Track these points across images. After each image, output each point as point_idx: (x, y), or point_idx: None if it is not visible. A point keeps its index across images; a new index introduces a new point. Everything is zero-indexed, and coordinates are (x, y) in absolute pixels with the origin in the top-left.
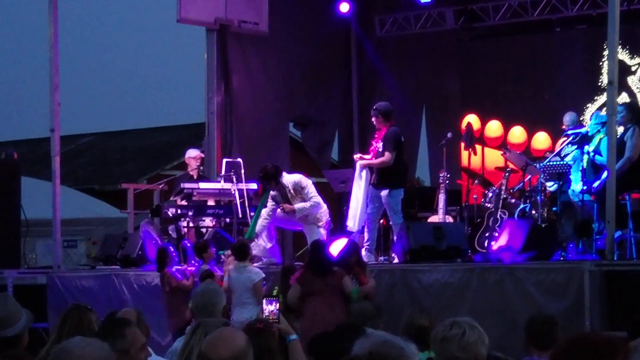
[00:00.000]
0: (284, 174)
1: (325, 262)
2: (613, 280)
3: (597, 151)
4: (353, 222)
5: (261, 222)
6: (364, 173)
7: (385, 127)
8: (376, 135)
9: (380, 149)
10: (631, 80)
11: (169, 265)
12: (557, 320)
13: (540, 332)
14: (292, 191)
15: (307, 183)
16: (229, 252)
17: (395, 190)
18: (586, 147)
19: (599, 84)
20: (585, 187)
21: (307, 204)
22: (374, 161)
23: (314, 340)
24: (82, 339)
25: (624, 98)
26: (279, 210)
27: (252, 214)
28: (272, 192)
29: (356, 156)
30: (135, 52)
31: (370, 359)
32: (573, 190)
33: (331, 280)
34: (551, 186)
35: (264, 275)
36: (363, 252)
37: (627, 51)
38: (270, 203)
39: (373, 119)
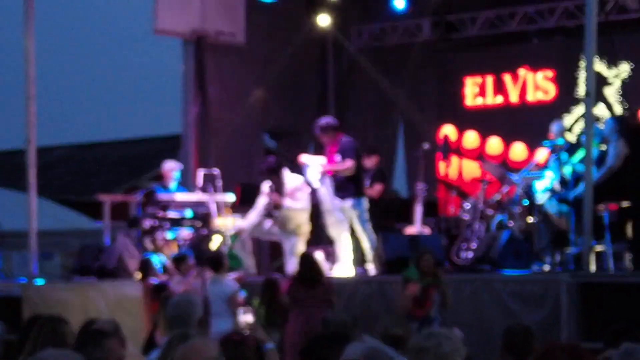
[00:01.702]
0: (288, 171)
1: (313, 272)
2: (589, 291)
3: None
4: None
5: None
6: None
7: (336, 140)
8: (329, 151)
9: (340, 160)
10: (608, 92)
11: (151, 276)
12: (534, 331)
13: (517, 342)
14: (288, 189)
15: (304, 189)
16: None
17: (360, 198)
18: (573, 157)
19: (576, 95)
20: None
21: (295, 204)
22: (337, 166)
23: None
24: (55, 351)
25: (601, 109)
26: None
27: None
28: (267, 190)
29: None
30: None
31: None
32: (550, 202)
33: (320, 292)
34: (540, 198)
35: (239, 286)
36: (340, 264)
37: (605, 62)
38: (263, 201)
39: (321, 139)
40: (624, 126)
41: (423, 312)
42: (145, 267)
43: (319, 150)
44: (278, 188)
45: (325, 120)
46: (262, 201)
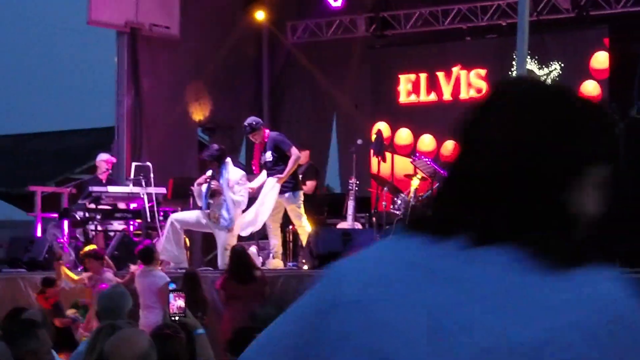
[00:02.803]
0: (229, 163)
1: (246, 268)
2: None
3: None
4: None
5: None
6: (277, 188)
7: (265, 136)
8: (257, 148)
9: (271, 158)
10: None
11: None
12: None
13: None
14: (229, 181)
15: (244, 184)
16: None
17: (296, 192)
18: None
19: None
20: None
21: (233, 196)
22: (289, 167)
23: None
24: None
25: None
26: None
27: (161, 217)
28: (213, 183)
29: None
30: (46, 54)
31: None
32: None
33: (253, 287)
34: None
35: (169, 279)
36: (272, 258)
37: (536, 61)
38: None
39: (250, 137)
40: None
41: None
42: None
43: (252, 144)
44: (217, 178)
45: (250, 119)
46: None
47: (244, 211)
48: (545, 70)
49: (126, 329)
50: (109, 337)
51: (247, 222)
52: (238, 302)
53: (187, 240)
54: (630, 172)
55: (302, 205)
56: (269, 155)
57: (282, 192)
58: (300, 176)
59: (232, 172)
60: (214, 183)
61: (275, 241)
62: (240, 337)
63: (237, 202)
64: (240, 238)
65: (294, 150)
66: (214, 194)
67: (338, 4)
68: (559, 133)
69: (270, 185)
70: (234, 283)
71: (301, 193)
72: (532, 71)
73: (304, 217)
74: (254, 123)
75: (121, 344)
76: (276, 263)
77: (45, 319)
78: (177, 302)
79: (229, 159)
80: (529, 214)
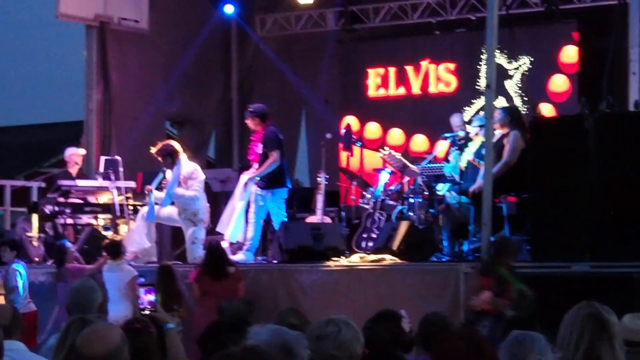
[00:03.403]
0: (184, 157)
1: (220, 264)
2: None
3: (478, 154)
4: (229, 232)
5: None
6: (251, 186)
7: (262, 128)
8: (253, 138)
9: (261, 151)
10: (509, 85)
11: (69, 261)
12: (449, 322)
13: (432, 332)
14: (182, 176)
15: (200, 176)
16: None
17: (278, 189)
18: (466, 150)
19: (478, 87)
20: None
21: (186, 192)
22: (262, 168)
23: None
24: None
25: (501, 102)
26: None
27: (130, 211)
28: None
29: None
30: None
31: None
32: (450, 193)
33: (226, 283)
34: (441, 189)
35: (136, 273)
36: (243, 251)
37: (505, 55)
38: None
39: (248, 121)
40: (516, 117)
41: (497, 309)
42: (62, 252)
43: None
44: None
45: (260, 105)
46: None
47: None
48: (515, 65)
49: (98, 323)
50: (79, 331)
51: (222, 221)
52: (211, 297)
53: (155, 235)
54: (599, 166)
55: (283, 202)
56: (260, 148)
57: (262, 188)
58: None
59: (185, 167)
60: (163, 182)
61: (254, 235)
62: (210, 331)
63: (191, 196)
64: (211, 232)
65: (273, 155)
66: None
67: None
68: None
69: (243, 183)
70: (208, 278)
71: (283, 191)
72: (501, 65)
73: (283, 213)
74: (251, 108)
75: (93, 338)
76: (247, 256)
77: (16, 314)
78: (148, 297)
79: (183, 155)
80: None
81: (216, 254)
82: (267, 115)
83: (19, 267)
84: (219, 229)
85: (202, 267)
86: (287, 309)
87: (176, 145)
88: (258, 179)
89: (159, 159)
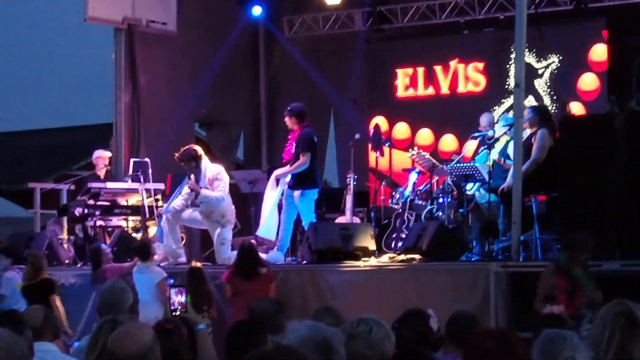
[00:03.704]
0: (207, 160)
1: (252, 264)
2: (518, 281)
3: (504, 153)
4: (266, 230)
5: (177, 206)
6: (282, 184)
7: (298, 128)
8: (290, 137)
9: (294, 151)
10: (538, 83)
11: (105, 263)
12: (478, 319)
13: (461, 330)
14: (207, 178)
15: (224, 178)
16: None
17: (308, 190)
18: (492, 150)
19: (506, 86)
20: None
21: (212, 193)
22: (292, 168)
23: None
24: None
25: (530, 101)
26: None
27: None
28: (189, 182)
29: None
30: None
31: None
32: (480, 192)
33: (258, 284)
34: (470, 189)
35: (166, 274)
36: (274, 251)
37: (534, 54)
38: (186, 190)
39: (286, 120)
40: (545, 116)
41: (571, 309)
42: (97, 255)
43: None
44: (197, 176)
45: (299, 105)
46: (185, 190)
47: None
48: (544, 63)
49: (129, 323)
50: (110, 332)
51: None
52: (242, 298)
53: (184, 235)
54: (629, 164)
55: (312, 203)
56: (293, 148)
57: (293, 188)
58: None
59: (210, 169)
60: (190, 182)
61: (284, 235)
62: (236, 331)
63: (217, 197)
64: (240, 233)
65: (302, 157)
66: (196, 195)
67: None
68: None
69: (274, 179)
70: (239, 278)
71: (314, 192)
72: (530, 64)
73: (312, 215)
74: (290, 107)
75: (124, 338)
76: (277, 256)
77: (48, 315)
78: (178, 298)
79: (205, 158)
80: None
81: (248, 255)
82: (304, 116)
83: (13, 275)
84: (260, 233)
85: (234, 267)
86: (323, 308)
87: (198, 148)
88: (288, 179)
89: (182, 164)
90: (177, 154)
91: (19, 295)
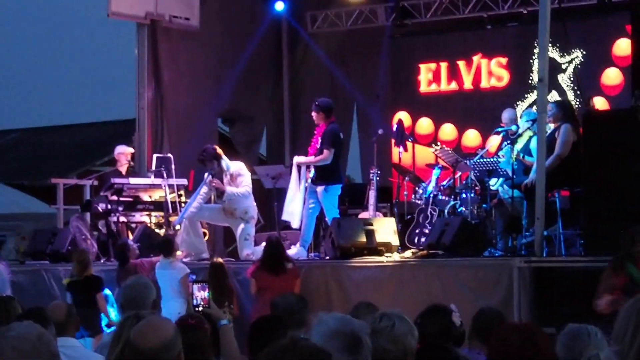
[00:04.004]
0: (225, 158)
1: (279, 260)
2: (542, 276)
3: (526, 149)
4: (292, 217)
5: (193, 207)
6: (302, 173)
7: (325, 123)
8: (316, 132)
9: (319, 145)
10: (561, 78)
11: (133, 259)
12: (504, 315)
13: (487, 325)
14: (229, 175)
15: (246, 173)
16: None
17: (332, 186)
18: (515, 145)
19: (530, 81)
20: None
21: (236, 189)
22: (313, 159)
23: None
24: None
25: (554, 96)
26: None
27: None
28: (208, 178)
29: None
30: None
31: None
32: (503, 187)
33: (284, 279)
34: (494, 184)
35: (188, 270)
36: (296, 247)
37: (558, 49)
38: (204, 190)
39: (313, 114)
40: (568, 111)
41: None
42: (124, 251)
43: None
44: (219, 175)
45: (326, 100)
46: (203, 189)
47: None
48: (567, 58)
49: (152, 317)
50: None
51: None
52: (268, 293)
53: (207, 231)
54: None
55: (336, 199)
56: (319, 143)
57: (316, 184)
58: None
59: (231, 166)
60: (215, 182)
61: (307, 231)
62: (261, 326)
63: (243, 194)
64: (263, 228)
65: (326, 153)
66: (219, 193)
67: None
68: None
69: (295, 166)
70: (265, 273)
71: (337, 187)
72: (553, 59)
73: (336, 210)
74: (317, 102)
75: (147, 330)
76: (300, 252)
77: (71, 311)
78: (201, 293)
79: (224, 156)
80: None
81: (275, 249)
82: (331, 111)
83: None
84: (284, 217)
85: (260, 262)
86: (363, 303)
87: (217, 147)
88: (312, 174)
89: (204, 164)
90: (199, 155)
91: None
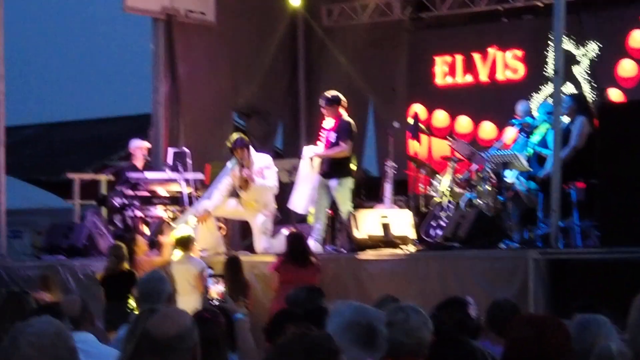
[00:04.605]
0: (253, 150)
1: (304, 253)
2: (557, 268)
3: (542, 141)
4: (297, 205)
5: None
6: (315, 161)
7: (337, 116)
8: (324, 127)
9: (334, 140)
10: (576, 71)
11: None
12: (519, 307)
13: (502, 317)
14: (257, 167)
15: (274, 167)
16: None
17: (345, 179)
18: (531, 137)
19: (545, 74)
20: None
21: (266, 182)
22: (330, 152)
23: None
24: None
25: (569, 88)
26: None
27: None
28: (235, 168)
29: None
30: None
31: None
32: (519, 179)
33: (308, 272)
34: (509, 176)
35: (205, 265)
36: (311, 241)
37: (573, 41)
38: (227, 181)
39: (324, 109)
40: (583, 104)
41: None
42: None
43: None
44: (248, 167)
45: (332, 93)
46: (226, 181)
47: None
48: (583, 50)
49: (168, 307)
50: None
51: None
52: (291, 286)
53: (223, 225)
54: None
55: (349, 192)
56: (332, 137)
57: (328, 177)
58: None
59: (259, 158)
60: (245, 172)
61: (319, 225)
62: (279, 320)
63: (272, 186)
64: (278, 222)
65: (343, 145)
66: (243, 185)
67: None
68: None
69: (307, 157)
70: (290, 267)
71: (349, 180)
72: (569, 51)
73: (349, 203)
74: (330, 97)
75: (164, 320)
76: (316, 246)
77: (85, 306)
78: (216, 287)
79: (251, 148)
80: None
81: (298, 243)
82: (342, 104)
83: None
84: (290, 206)
85: (284, 255)
86: (386, 297)
87: (243, 137)
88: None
89: (235, 153)
90: (228, 143)
91: None
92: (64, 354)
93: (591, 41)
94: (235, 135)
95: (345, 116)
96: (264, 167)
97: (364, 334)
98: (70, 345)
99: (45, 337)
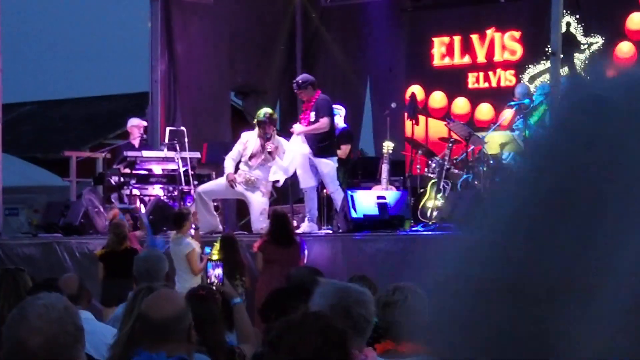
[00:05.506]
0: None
1: (285, 232)
2: None
3: (541, 122)
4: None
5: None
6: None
7: (313, 97)
8: (304, 108)
9: (313, 119)
10: (578, 57)
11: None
12: None
13: None
14: (276, 146)
15: (288, 153)
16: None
17: (331, 157)
18: (530, 119)
19: (545, 54)
20: None
21: (283, 163)
22: (310, 128)
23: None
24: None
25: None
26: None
27: (196, 182)
28: (271, 144)
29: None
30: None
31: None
32: (515, 160)
33: (291, 252)
34: (506, 158)
35: (194, 246)
36: (305, 222)
37: (582, 29)
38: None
39: (299, 93)
40: None
41: None
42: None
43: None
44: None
45: (304, 76)
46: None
47: None
48: (588, 40)
49: (163, 288)
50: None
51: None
52: (275, 265)
53: (218, 204)
54: None
55: (335, 170)
56: (312, 116)
57: (315, 156)
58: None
59: (282, 141)
60: (271, 145)
61: (312, 204)
62: (272, 299)
63: (286, 168)
64: (276, 202)
65: (324, 120)
66: (269, 154)
67: None
68: None
69: (298, 144)
70: (273, 246)
71: (335, 159)
72: (575, 36)
73: (337, 182)
74: (300, 81)
75: (160, 301)
76: (311, 227)
77: (82, 284)
78: (215, 271)
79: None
80: None
81: (282, 222)
82: (315, 83)
83: None
84: (271, 178)
85: (267, 235)
86: (357, 276)
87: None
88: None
89: (263, 127)
90: (260, 114)
91: None
92: (71, 329)
93: (597, 35)
94: (268, 109)
95: (321, 94)
96: (281, 149)
97: (342, 317)
98: (77, 322)
99: (55, 311)
